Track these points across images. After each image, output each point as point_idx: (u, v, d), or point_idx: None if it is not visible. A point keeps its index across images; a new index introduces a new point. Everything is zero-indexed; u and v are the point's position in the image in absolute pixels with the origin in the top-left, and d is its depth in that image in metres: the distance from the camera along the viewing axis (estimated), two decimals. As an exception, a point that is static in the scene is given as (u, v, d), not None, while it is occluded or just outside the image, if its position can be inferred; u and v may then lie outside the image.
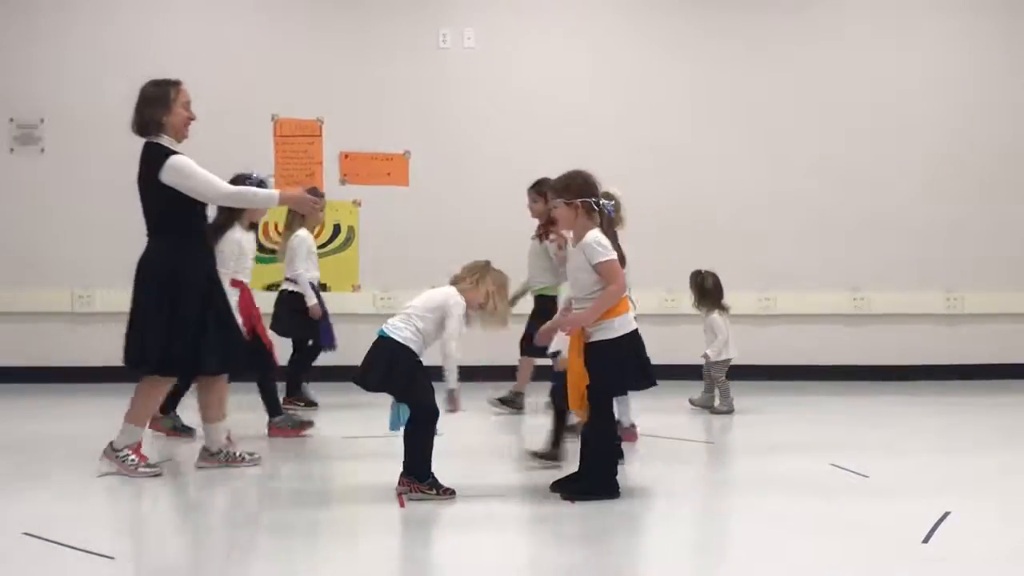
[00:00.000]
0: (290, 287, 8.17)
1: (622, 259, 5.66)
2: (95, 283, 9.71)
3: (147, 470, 6.10)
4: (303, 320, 8.14)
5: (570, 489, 5.65)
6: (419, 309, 5.65)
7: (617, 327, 5.57)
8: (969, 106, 10.32)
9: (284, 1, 10.01)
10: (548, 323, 6.01)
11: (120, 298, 9.70)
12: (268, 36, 9.89)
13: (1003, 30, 10.36)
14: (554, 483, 5.78)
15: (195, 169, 6.13)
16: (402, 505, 5.55)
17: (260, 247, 9.72)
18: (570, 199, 5.65)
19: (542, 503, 5.74)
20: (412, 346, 5.59)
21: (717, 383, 8.57)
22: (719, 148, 10.14)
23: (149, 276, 6.21)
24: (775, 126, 10.18)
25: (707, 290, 8.59)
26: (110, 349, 9.72)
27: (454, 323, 5.63)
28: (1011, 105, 10.35)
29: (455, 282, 5.76)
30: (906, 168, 10.27)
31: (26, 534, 4.90)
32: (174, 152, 6.19)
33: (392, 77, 9.87)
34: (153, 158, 6.18)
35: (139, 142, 9.63)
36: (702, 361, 8.63)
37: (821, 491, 5.92)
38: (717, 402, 8.56)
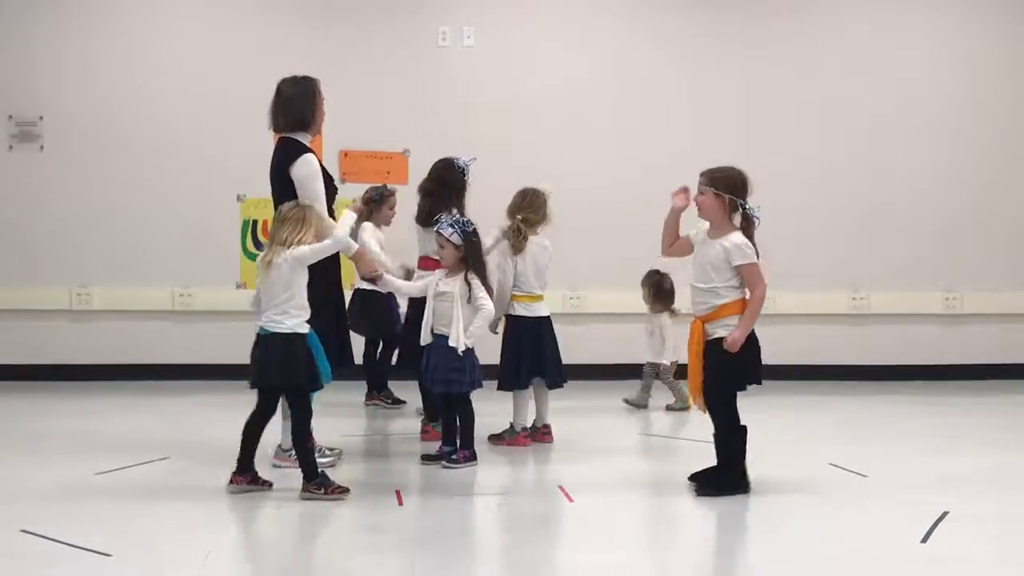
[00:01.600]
0: (364, 285, 7.92)
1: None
2: (94, 281, 9.71)
3: (323, 460, 6.20)
4: (380, 319, 8.12)
5: (704, 484, 5.74)
6: (279, 299, 5.64)
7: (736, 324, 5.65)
8: (968, 105, 10.30)
9: (283, 0, 10.00)
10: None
11: (119, 296, 9.79)
12: (267, 35, 9.86)
13: (1001, 28, 10.34)
14: (693, 474, 5.88)
15: (317, 178, 6.17)
16: (400, 503, 5.55)
17: (259, 245, 9.78)
18: (721, 191, 5.73)
19: (546, 502, 5.75)
20: (300, 330, 5.64)
21: (667, 384, 8.45)
22: (718, 148, 9.99)
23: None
24: (774, 126, 10.15)
25: (665, 291, 8.50)
26: (108, 347, 9.82)
27: (306, 250, 5.62)
28: (1010, 104, 10.34)
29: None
30: (905, 168, 10.26)
31: (24, 531, 4.90)
32: (310, 150, 6.25)
33: (391, 75, 9.85)
34: (289, 151, 6.23)
35: (136, 141, 9.74)
36: (664, 362, 8.55)
37: (820, 491, 5.93)
38: (672, 400, 8.46)
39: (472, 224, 6.49)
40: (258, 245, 9.76)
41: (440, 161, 7.15)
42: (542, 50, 10.04)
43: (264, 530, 5.23)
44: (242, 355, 9.61)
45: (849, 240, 10.20)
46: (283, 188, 6.23)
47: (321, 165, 6.35)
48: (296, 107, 6.33)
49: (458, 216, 6.47)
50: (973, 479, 6.24)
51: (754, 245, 5.75)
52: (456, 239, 6.34)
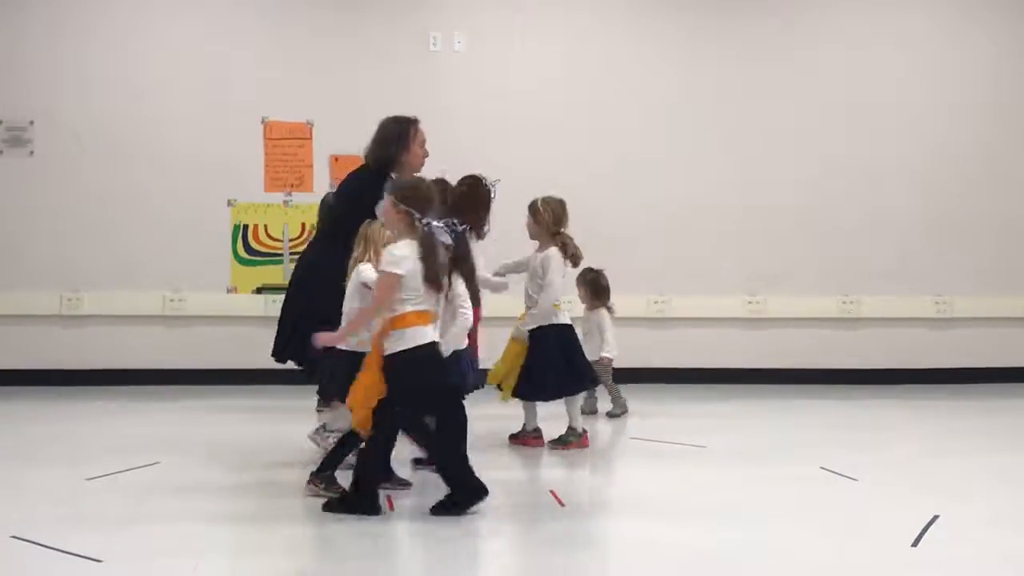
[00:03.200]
0: None
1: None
2: (83, 286, 9.68)
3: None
4: None
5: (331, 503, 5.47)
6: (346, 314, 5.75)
7: (408, 339, 5.36)
8: (961, 109, 10.31)
9: (274, 4, 9.99)
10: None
11: (109, 300, 9.77)
12: (258, 39, 9.86)
13: (995, 32, 10.35)
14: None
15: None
16: (391, 508, 5.55)
17: (249, 250, 9.78)
18: (399, 201, 5.47)
19: (537, 507, 5.74)
20: (362, 349, 5.64)
21: (607, 386, 8.37)
22: (711, 152, 10.14)
23: (325, 278, 6.22)
24: (767, 129, 10.17)
25: (602, 287, 8.49)
26: (98, 351, 9.79)
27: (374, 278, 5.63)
28: (1003, 108, 10.35)
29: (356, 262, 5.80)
30: (896, 172, 10.28)
31: (14, 537, 4.88)
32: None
33: (382, 80, 9.84)
34: (375, 186, 6.20)
35: (127, 145, 9.72)
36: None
37: (810, 494, 5.93)
38: (591, 405, 8.37)
39: (462, 225, 6.47)
40: (248, 250, 9.76)
41: (468, 177, 7.15)
42: (533, 55, 10.04)
43: (255, 536, 5.22)
44: (233, 359, 9.69)
45: (839, 244, 10.22)
46: (340, 203, 6.44)
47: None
48: (385, 147, 6.52)
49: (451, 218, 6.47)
50: (964, 483, 6.25)
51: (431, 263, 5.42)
52: (445, 239, 6.31)
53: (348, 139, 9.64)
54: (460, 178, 7.18)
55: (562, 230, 7.06)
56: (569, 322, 7.18)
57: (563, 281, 7.12)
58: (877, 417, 8.61)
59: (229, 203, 9.76)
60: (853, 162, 10.23)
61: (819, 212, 10.19)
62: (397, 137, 6.52)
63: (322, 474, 5.68)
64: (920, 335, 10.33)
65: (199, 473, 6.25)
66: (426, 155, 6.66)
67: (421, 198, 5.50)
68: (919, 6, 10.40)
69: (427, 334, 5.40)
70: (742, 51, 10.19)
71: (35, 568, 4.56)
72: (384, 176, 6.47)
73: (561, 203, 7.12)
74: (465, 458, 5.55)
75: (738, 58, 10.18)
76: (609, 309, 8.47)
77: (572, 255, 7.05)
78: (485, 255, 6.87)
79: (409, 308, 5.35)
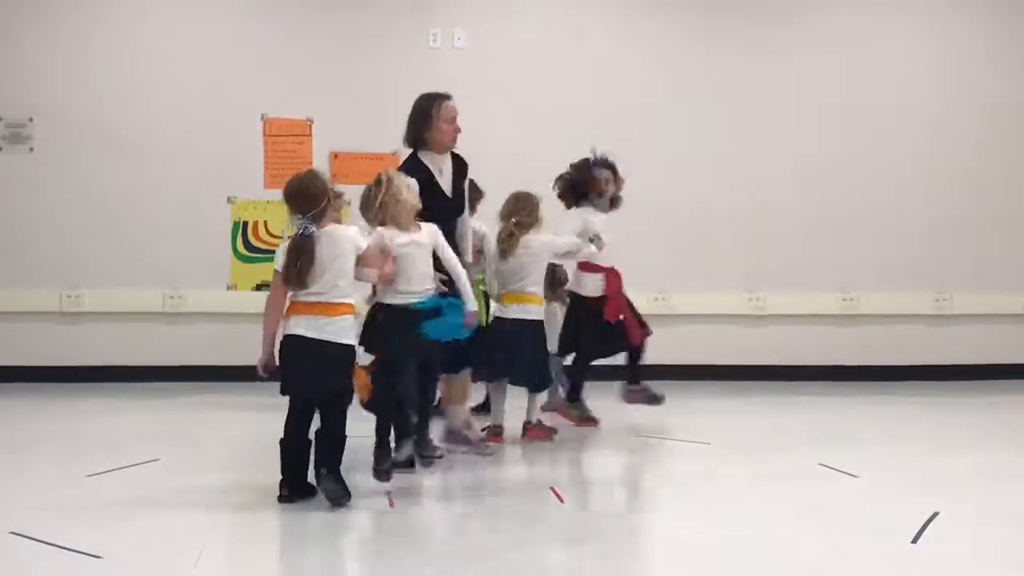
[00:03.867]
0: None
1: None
2: (84, 283, 9.68)
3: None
4: None
5: None
6: None
7: (285, 327, 5.59)
8: (959, 106, 10.30)
9: (274, 1, 9.99)
10: None
11: (109, 297, 9.77)
12: (257, 35, 9.85)
13: (993, 31, 10.34)
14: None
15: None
16: (391, 505, 5.55)
17: (249, 247, 9.79)
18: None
19: (537, 503, 5.75)
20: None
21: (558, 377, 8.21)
22: (709, 149, 10.13)
23: None
24: (763, 127, 10.16)
25: (559, 280, 8.49)
26: (99, 348, 9.80)
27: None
28: (1001, 105, 10.34)
29: None
30: (894, 169, 10.27)
31: (13, 533, 4.89)
32: (415, 176, 6.39)
33: (382, 77, 9.84)
34: (409, 162, 6.53)
35: (127, 142, 9.73)
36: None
37: (810, 491, 5.94)
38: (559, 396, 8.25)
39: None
40: (248, 247, 9.76)
41: (581, 160, 7.74)
42: (533, 52, 10.04)
43: (255, 533, 5.22)
44: (232, 356, 9.67)
45: (839, 241, 10.21)
46: None
47: (436, 184, 6.51)
48: (413, 127, 6.56)
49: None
50: (963, 479, 6.25)
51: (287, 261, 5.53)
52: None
53: (348, 135, 9.76)
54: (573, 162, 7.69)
55: (514, 219, 7.10)
56: (523, 317, 7.11)
57: (511, 267, 7.10)
58: (876, 413, 8.61)
59: (229, 200, 9.76)
60: (853, 160, 10.22)
61: (819, 210, 10.19)
62: (422, 115, 6.53)
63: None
64: (920, 332, 10.33)
65: (199, 469, 6.25)
66: (457, 131, 6.63)
67: (293, 197, 5.67)
68: (919, 6, 10.39)
69: (294, 325, 5.50)
70: (742, 50, 10.18)
71: (35, 564, 4.57)
72: (416, 156, 6.49)
73: (514, 198, 7.20)
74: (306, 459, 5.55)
75: (738, 57, 10.17)
76: (564, 302, 8.45)
77: (499, 239, 7.15)
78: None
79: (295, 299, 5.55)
